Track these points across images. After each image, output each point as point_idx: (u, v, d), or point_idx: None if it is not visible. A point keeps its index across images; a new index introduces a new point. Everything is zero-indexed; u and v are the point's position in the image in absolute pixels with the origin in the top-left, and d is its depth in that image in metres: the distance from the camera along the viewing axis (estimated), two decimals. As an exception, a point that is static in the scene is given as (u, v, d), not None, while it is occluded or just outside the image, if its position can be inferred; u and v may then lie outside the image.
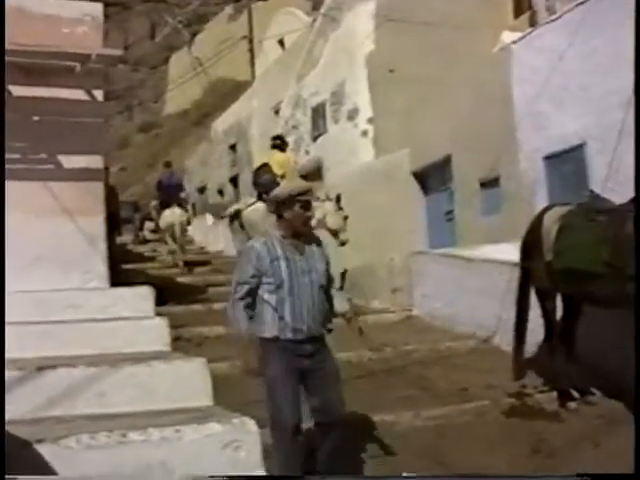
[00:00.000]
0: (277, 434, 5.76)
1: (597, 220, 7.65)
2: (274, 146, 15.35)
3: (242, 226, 13.18)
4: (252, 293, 5.80)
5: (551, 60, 11.39)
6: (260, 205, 13.04)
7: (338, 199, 14.31)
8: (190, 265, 18.84)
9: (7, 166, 8.28)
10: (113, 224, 14.67)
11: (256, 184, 13.82)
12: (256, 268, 5.75)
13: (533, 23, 15.47)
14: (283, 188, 5.97)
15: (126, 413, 6.09)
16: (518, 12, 18.00)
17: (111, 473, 5.17)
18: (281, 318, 5.78)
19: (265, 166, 14.13)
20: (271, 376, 5.73)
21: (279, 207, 5.88)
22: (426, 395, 8.48)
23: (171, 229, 18.56)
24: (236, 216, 13.33)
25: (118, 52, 9.95)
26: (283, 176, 13.83)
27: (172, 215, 18.60)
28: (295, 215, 5.85)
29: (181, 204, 19.26)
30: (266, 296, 5.80)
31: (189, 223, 20.42)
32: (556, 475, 4.40)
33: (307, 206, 5.91)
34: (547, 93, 11.51)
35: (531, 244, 8.44)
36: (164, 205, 19.22)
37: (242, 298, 5.76)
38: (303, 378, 5.85)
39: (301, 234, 5.94)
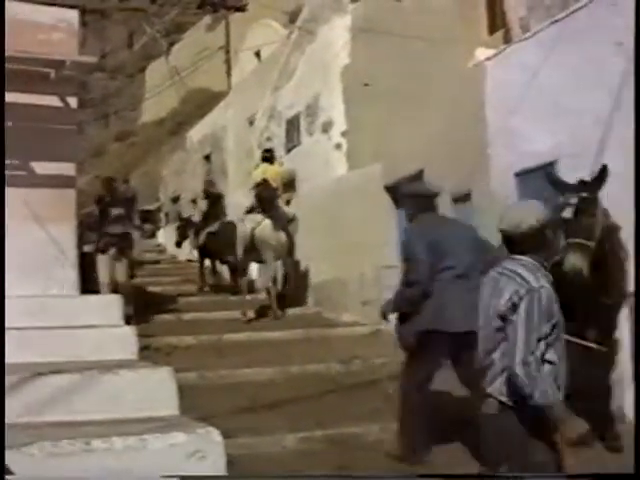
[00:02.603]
0: None
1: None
2: (265, 159, 15.47)
3: (253, 244, 13.34)
4: None
5: (525, 77, 11.44)
6: (267, 222, 13.16)
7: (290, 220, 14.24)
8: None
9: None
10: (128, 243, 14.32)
11: (261, 200, 13.90)
12: None
13: (507, 40, 15.49)
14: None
15: (91, 421, 6.07)
16: (492, 29, 18.02)
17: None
18: None
19: (265, 182, 14.24)
20: None
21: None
22: (394, 408, 8.49)
23: None
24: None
25: (93, 59, 9.97)
26: (277, 188, 14.04)
27: None
28: None
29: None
30: None
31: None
32: (556, 475, 4.42)
33: None
34: (520, 110, 11.54)
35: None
36: None
37: None
38: None
39: None
